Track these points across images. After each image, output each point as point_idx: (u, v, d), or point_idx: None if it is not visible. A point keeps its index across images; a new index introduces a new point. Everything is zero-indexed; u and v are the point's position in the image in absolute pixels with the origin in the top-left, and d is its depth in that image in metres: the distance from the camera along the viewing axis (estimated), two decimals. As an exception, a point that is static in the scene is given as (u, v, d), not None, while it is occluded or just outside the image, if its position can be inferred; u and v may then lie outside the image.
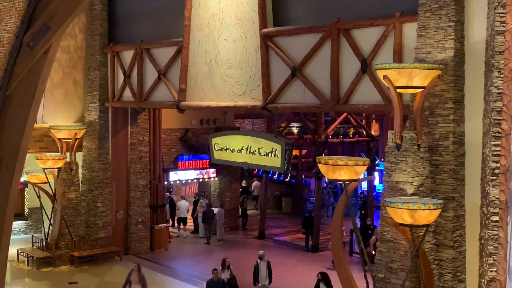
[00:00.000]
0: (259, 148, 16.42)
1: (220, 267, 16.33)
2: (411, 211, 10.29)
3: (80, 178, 21.45)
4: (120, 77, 20.54)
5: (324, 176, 24.75)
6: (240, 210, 26.38)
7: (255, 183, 30.30)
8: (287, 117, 25.14)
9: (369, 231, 20.21)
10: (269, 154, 16.21)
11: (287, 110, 15.10)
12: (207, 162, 25.01)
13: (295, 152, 29.52)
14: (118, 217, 21.50)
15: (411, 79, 10.79)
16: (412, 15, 12.07)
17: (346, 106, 13.70)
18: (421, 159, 11.30)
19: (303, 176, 32.46)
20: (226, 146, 17.36)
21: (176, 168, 24.47)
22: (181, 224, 24.92)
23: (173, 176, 24.37)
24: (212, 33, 16.84)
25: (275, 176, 32.76)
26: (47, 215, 21.08)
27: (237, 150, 16.98)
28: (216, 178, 25.50)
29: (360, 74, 13.29)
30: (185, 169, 24.62)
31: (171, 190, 27.67)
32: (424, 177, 11.32)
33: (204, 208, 24.01)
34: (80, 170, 21.42)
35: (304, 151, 28.65)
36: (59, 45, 7.34)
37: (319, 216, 23.09)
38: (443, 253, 11.63)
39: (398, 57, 12.46)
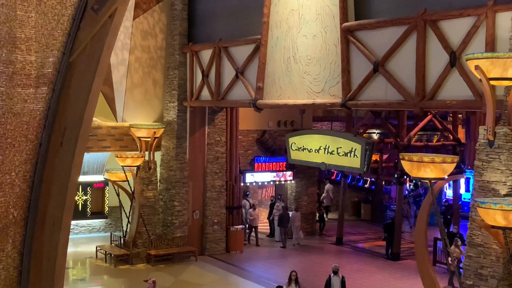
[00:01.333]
0: (337, 148, 15.79)
1: (287, 281, 15.32)
2: (505, 212, 9.42)
3: (158, 177, 21.59)
4: (199, 77, 20.52)
5: (405, 183, 24.05)
6: (318, 215, 25.74)
7: (325, 193, 28.37)
8: (366, 121, 24.33)
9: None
10: (348, 154, 15.55)
11: (368, 107, 14.44)
12: (284, 165, 24.59)
13: (375, 157, 28.66)
14: (194, 217, 21.44)
15: (506, 69, 9.92)
16: (507, 3, 11.17)
17: (432, 102, 12.87)
18: (516, 157, 10.36)
19: (383, 183, 31.49)
20: (303, 146, 16.84)
21: (252, 170, 24.18)
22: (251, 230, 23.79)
23: (250, 177, 24.06)
24: (291, 30, 16.44)
25: (354, 182, 31.92)
26: (125, 214, 21.34)
27: (315, 150, 16.42)
28: (293, 181, 25.00)
29: (448, 68, 12.45)
30: (261, 171, 24.26)
31: (247, 193, 27.44)
32: (519, 177, 10.37)
33: (280, 211, 23.57)
34: (158, 169, 21.56)
35: (385, 156, 27.68)
36: (125, 10, 6.96)
37: (400, 223, 22.06)
38: (540, 261, 10.61)
39: (491, 48, 11.53)
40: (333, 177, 33.63)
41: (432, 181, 10.75)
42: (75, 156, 6.71)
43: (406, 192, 28.95)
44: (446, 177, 11.32)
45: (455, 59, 12.27)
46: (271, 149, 24.79)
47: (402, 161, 10.71)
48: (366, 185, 30.35)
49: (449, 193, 28.45)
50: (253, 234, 23.53)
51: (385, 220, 25.97)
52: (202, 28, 20.51)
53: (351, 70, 14.81)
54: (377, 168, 24.72)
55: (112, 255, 20.28)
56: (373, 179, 30.76)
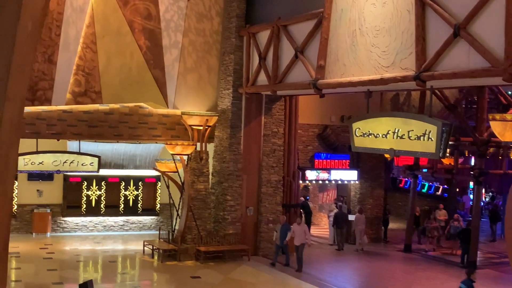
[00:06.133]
0: (408, 131, 13.76)
1: None
2: None
3: (211, 170, 20.16)
4: (255, 61, 19.03)
5: (482, 185, 21.50)
6: (382, 219, 23.58)
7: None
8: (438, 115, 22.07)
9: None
10: (421, 138, 13.51)
11: (446, 78, 12.48)
12: (347, 163, 22.69)
13: (448, 160, 26.27)
14: (248, 213, 19.81)
15: None
16: None
17: (525, 66, 10.81)
18: None
19: (456, 190, 28.98)
20: (369, 131, 14.87)
21: (312, 167, 22.36)
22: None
23: (310, 174, 22.22)
24: (358, -1, 14.73)
25: (424, 189, 29.59)
26: (175, 207, 20.01)
27: (382, 135, 14.45)
28: (357, 182, 23.02)
29: (546, 23, 10.41)
30: (322, 169, 22.40)
31: (307, 197, 25.65)
32: None
33: (334, 211, 21.73)
34: (210, 162, 20.14)
35: (460, 160, 25.31)
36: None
37: (478, 228, 19.66)
38: None
39: None
40: (401, 184, 31.40)
41: (531, 147, 8.71)
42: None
43: (482, 204, 26.42)
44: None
45: (555, 12, 10.21)
46: (333, 145, 22.94)
47: (491, 122, 8.73)
48: (438, 193, 27.94)
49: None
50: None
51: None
52: (260, 8, 19.08)
53: (426, 37, 12.90)
54: (452, 170, 22.46)
55: (160, 250, 18.93)
56: (445, 186, 28.40)
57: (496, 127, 8.71)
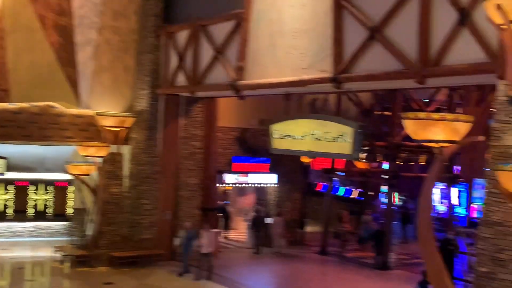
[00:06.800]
0: (325, 133, 13.94)
1: None
2: (536, 175, 7.61)
3: (125, 172, 19.54)
4: (174, 62, 18.67)
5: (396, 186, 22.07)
6: (300, 222, 23.68)
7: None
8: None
9: (450, 247, 17.17)
10: (338, 139, 13.72)
11: (363, 80, 12.69)
12: (267, 166, 22.70)
13: (362, 164, 26.84)
14: (165, 217, 19.33)
15: (534, 7, 8.19)
16: None
17: (437, 69, 11.12)
18: (543, 118, 8.63)
19: (371, 193, 29.68)
20: (287, 133, 14.99)
21: (231, 171, 22.19)
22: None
23: (229, 178, 22.01)
24: (277, 0, 14.74)
25: (341, 193, 30.10)
26: (88, 212, 19.25)
27: (300, 137, 14.58)
28: (275, 185, 23.04)
29: (457, 28, 10.76)
30: (241, 172, 22.27)
31: (227, 202, 25.46)
32: (547, 141, 8.62)
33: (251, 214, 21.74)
34: (126, 164, 19.53)
35: (374, 164, 25.95)
36: None
37: (391, 230, 20.16)
38: None
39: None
40: (318, 188, 31.81)
41: (442, 145, 8.92)
42: None
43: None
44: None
45: (465, 17, 10.58)
46: (253, 149, 22.87)
47: (405, 121, 8.88)
48: (354, 196, 28.51)
49: (440, 206, 26.70)
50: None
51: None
52: (178, 7, 18.76)
53: (343, 39, 13.08)
54: (366, 174, 22.98)
55: (71, 256, 18.12)
56: (360, 189, 29.04)
57: (409, 125, 8.85)
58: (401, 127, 20.04)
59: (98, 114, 18.66)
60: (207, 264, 16.97)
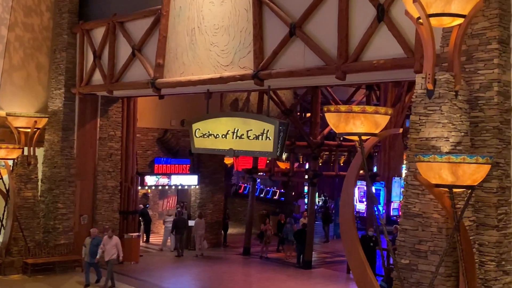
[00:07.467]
0: (247, 131, 13.75)
1: None
2: (453, 166, 7.76)
3: (40, 177, 18.63)
4: (90, 59, 18.02)
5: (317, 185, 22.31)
6: (222, 224, 23.46)
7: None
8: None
9: (371, 244, 17.47)
10: (260, 137, 13.56)
11: (283, 76, 12.64)
12: (188, 167, 22.31)
13: (284, 165, 26.98)
14: (82, 221, 18.59)
15: (448, 2, 8.38)
16: None
17: (356, 65, 11.25)
18: (459, 110, 8.82)
19: (293, 194, 29.98)
20: (208, 132, 14.63)
21: (152, 173, 21.65)
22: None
23: (150, 180, 21.44)
24: (196, -4, 14.50)
25: (262, 194, 30.22)
26: (-1, 218, 18.20)
27: (222, 135, 14.29)
28: (197, 187, 22.69)
29: (375, 24, 10.92)
30: (162, 174, 21.75)
31: (147, 205, 24.82)
32: (462, 134, 8.81)
33: (172, 216, 21.27)
34: (40, 168, 18.61)
35: (296, 164, 26.17)
36: None
37: (313, 229, 20.30)
38: (485, 235, 9.04)
39: (424, -3, 10.08)
40: (241, 190, 31.78)
41: (363, 137, 8.95)
42: None
43: (316, 207, 27.51)
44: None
45: (383, 13, 10.75)
46: (174, 150, 22.43)
47: (327, 114, 8.85)
48: (275, 197, 28.65)
49: (360, 206, 27.26)
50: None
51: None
52: (94, 3, 18.13)
53: (264, 36, 13.03)
54: (288, 173, 23.06)
55: (-20, 265, 17.03)
56: (282, 190, 29.23)
57: (330, 118, 8.82)
58: (322, 127, 20.45)
59: (8, 114, 17.67)
60: (108, 272, 15.87)
